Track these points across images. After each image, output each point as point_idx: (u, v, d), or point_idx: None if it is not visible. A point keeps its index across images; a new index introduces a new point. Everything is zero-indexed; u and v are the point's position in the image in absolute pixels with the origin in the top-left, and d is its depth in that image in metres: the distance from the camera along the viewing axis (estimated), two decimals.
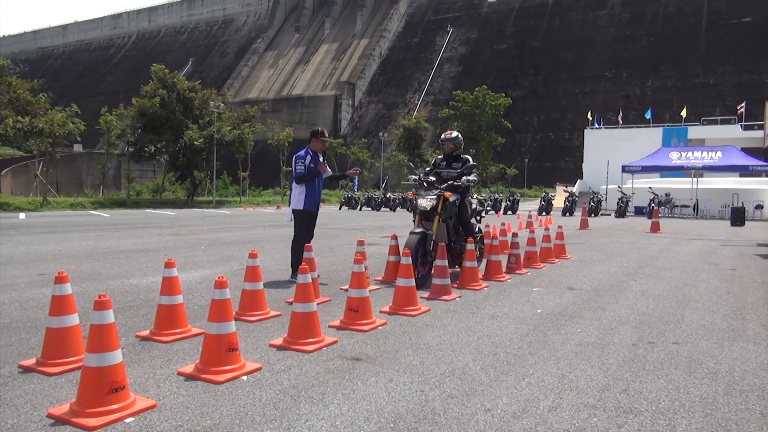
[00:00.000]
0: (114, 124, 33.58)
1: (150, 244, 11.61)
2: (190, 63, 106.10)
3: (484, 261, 7.77)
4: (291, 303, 5.73)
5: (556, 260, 9.50)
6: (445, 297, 6.09)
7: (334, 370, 3.73)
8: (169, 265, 4.41)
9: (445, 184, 7.16)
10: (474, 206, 7.81)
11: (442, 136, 7.61)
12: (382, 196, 34.27)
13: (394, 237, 7.26)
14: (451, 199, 7.00)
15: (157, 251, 10.20)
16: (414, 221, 7.13)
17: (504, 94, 54.44)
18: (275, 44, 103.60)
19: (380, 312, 5.35)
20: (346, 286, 6.70)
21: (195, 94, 34.91)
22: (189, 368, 3.62)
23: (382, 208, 33.03)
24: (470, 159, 7.51)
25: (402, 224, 18.44)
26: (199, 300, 5.82)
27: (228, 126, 35.91)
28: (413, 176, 7.44)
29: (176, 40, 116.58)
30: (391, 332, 4.73)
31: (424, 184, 7.36)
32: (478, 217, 8.09)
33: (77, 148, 54.89)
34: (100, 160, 38.05)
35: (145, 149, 33.67)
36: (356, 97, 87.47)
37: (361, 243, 6.65)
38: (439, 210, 6.88)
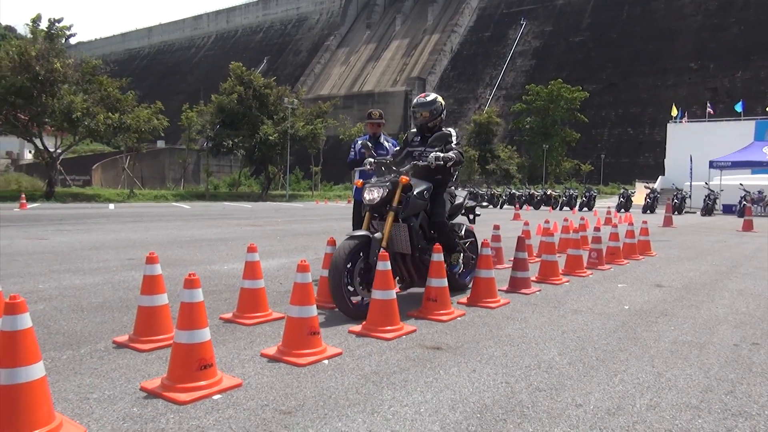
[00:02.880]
0: (194, 120, 35.05)
1: (229, 233, 11.98)
2: (265, 61, 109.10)
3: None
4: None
5: (641, 257, 9.03)
6: (524, 290, 5.90)
7: (414, 358, 3.67)
8: (251, 249, 4.48)
9: (408, 165, 5.06)
10: (460, 200, 5.76)
11: (414, 100, 5.50)
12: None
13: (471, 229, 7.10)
14: (418, 189, 4.92)
15: (236, 240, 10.51)
16: (360, 222, 5.25)
17: (580, 88, 52.69)
18: (347, 41, 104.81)
19: (458, 303, 5.25)
20: None
21: (270, 91, 35.84)
22: (272, 350, 3.66)
23: None
24: (453, 133, 5.34)
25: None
26: (277, 286, 5.90)
27: (301, 122, 36.64)
28: (370, 159, 5.20)
29: (252, 39, 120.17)
30: (471, 323, 4.61)
31: (382, 167, 5.13)
32: (470, 216, 6.14)
33: (160, 143, 57.63)
34: (181, 155, 39.81)
35: (223, 144, 34.91)
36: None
37: None
38: (394, 203, 4.79)
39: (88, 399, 2.88)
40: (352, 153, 6.38)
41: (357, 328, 4.26)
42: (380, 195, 4.76)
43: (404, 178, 4.81)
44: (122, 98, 27.54)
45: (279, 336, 3.94)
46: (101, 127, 26.14)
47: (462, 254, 5.71)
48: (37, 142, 27.01)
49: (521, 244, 6.05)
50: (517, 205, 26.67)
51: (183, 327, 2.96)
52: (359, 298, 4.65)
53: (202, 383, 2.97)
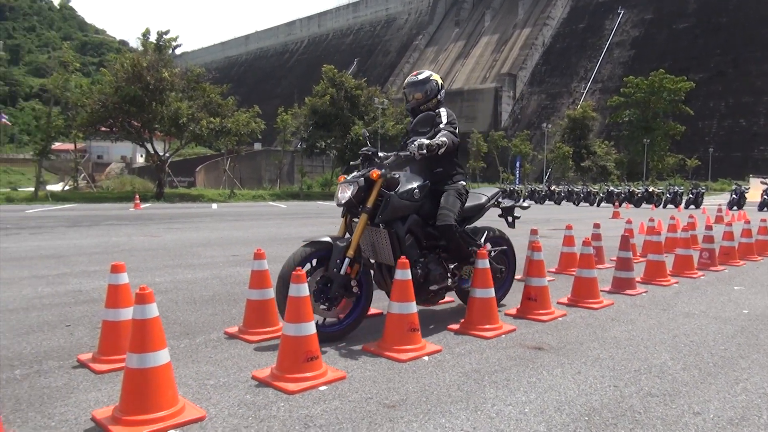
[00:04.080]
0: (289, 122, 36.29)
1: (326, 231, 12.31)
2: (355, 63, 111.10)
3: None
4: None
5: (759, 258, 8.35)
6: (629, 291, 5.63)
7: (515, 357, 3.61)
8: None
9: (391, 156, 4.17)
10: (482, 200, 4.74)
11: (406, 80, 4.67)
12: (546, 188, 33.01)
13: (569, 227, 6.89)
14: (406, 187, 4.08)
15: None
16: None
17: (685, 78, 49.45)
18: (435, 40, 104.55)
19: (558, 303, 5.10)
20: (519, 276, 6.53)
21: (361, 92, 36.44)
22: (373, 345, 3.73)
23: (546, 201, 31.82)
24: (443, 112, 4.44)
25: (571, 216, 17.53)
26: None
27: (391, 121, 36.97)
28: (364, 149, 4.28)
29: (343, 41, 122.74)
30: (573, 324, 4.47)
31: (366, 162, 4.20)
32: (508, 218, 5.20)
33: (257, 146, 60.25)
34: (277, 156, 41.35)
35: (317, 145, 35.92)
36: (517, 88, 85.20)
37: (534, 232, 6.42)
38: (368, 203, 3.95)
39: (205, 385, 3.07)
40: None
41: (456, 326, 4.25)
42: (351, 193, 3.95)
43: (375, 173, 3.94)
44: (223, 103, 29.02)
45: (378, 331, 4.01)
46: (204, 132, 27.69)
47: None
48: (149, 146, 29.04)
49: (625, 242, 5.78)
50: (616, 203, 25.47)
51: (291, 320, 3.08)
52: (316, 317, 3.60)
53: (309, 374, 3.08)
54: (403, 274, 3.60)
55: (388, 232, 4.02)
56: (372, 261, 4.22)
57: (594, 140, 55.28)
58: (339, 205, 4.04)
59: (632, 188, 30.83)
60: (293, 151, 44.61)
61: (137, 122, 27.39)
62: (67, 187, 34.04)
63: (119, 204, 23.62)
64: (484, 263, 4.14)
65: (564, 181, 39.27)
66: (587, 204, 30.10)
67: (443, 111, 4.47)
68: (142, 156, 56.59)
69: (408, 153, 4.10)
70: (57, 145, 35.76)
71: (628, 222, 8.17)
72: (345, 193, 3.97)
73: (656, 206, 27.56)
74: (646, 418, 2.72)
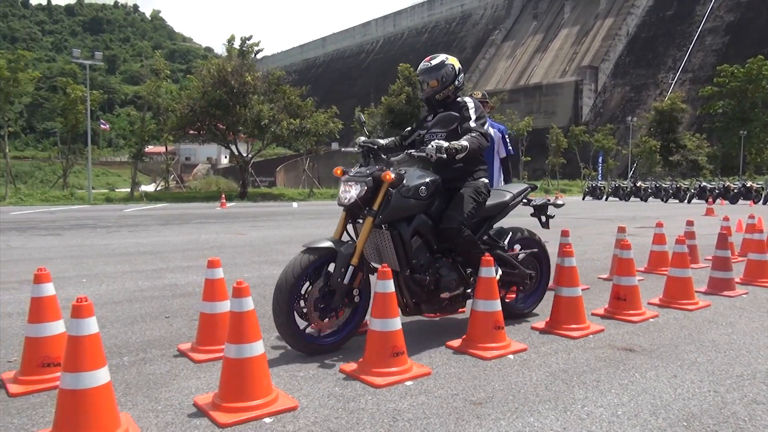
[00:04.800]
0: (366, 122, 36.79)
1: None
2: None
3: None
4: (549, 289, 5.59)
5: None
6: (727, 292, 5.32)
7: (605, 358, 3.50)
8: None
9: (401, 154, 3.78)
10: (506, 197, 4.29)
11: (420, 65, 4.19)
12: (631, 185, 31.61)
13: (660, 224, 6.58)
14: (412, 183, 3.66)
15: None
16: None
17: None
18: (512, 34, 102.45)
19: (648, 303, 4.89)
20: (605, 275, 6.32)
21: None
22: (457, 342, 3.73)
23: (631, 198, 30.47)
24: (470, 104, 4.00)
25: (659, 214, 16.70)
26: None
27: None
28: (361, 138, 3.96)
29: (418, 40, 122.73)
30: (666, 325, 4.28)
31: (370, 155, 3.81)
32: (542, 218, 4.76)
33: (335, 145, 61.45)
34: (355, 156, 42.01)
35: None
36: (599, 81, 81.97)
37: (622, 230, 6.19)
38: (375, 205, 3.59)
39: (295, 376, 3.19)
40: None
41: (541, 324, 4.17)
42: (357, 193, 3.55)
43: (388, 174, 3.52)
44: (302, 105, 29.81)
45: (462, 328, 4.01)
46: (285, 132, 28.55)
47: (496, 274, 3.89)
48: (233, 148, 30.30)
49: (723, 240, 5.46)
50: (710, 199, 24.00)
51: (377, 315, 3.14)
52: (311, 326, 3.52)
53: (394, 369, 3.13)
54: (488, 271, 3.58)
55: (391, 234, 3.64)
56: (374, 266, 3.80)
57: (684, 133, 52.29)
58: (341, 205, 3.67)
59: (727, 183, 28.93)
60: None
61: (222, 125, 28.62)
62: (159, 188, 36.13)
63: (206, 203, 24.79)
64: (570, 261, 4.05)
65: (651, 177, 37.41)
66: (677, 200, 28.56)
67: (470, 103, 4.00)
68: (226, 157, 59.10)
69: (424, 154, 3.69)
70: (150, 148, 37.98)
71: (725, 219, 7.69)
72: (349, 193, 3.59)
73: (755, 202, 25.76)
74: (751, 426, 2.57)
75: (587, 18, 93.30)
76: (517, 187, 4.50)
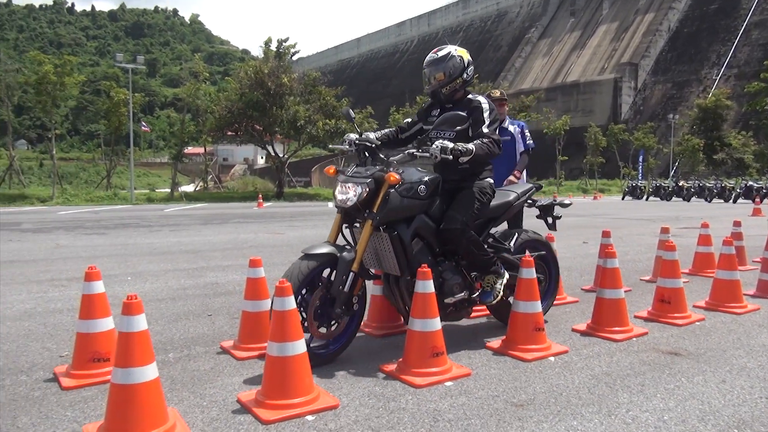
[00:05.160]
0: (401, 121, 36.78)
1: None
2: None
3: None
4: (588, 290, 5.51)
5: None
6: None
7: (649, 362, 3.43)
8: None
9: (402, 154, 3.58)
10: (510, 197, 4.08)
11: (426, 57, 3.88)
12: (673, 184, 30.80)
13: (705, 225, 6.39)
14: (410, 181, 3.48)
15: None
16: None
17: None
18: (549, 32, 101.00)
19: (694, 306, 4.76)
20: (647, 276, 6.19)
21: (472, 88, 36.03)
22: (496, 343, 3.71)
23: (673, 198, 29.69)
24: (484, 105, 3.72)
25: (704, 214, 16.22)
26: None
27: None
28: (352, 135, 3.69)
29: (453, 39, 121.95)
30: (713, 329, 4.16)
31: (366, 154, 3.58)
32: (548, 219, 4.54)
33: None
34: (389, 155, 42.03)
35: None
36: (639, 78, 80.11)
37: (665, 231, 6.04)
38: (375, 207, 3.36)
39: (335, 375, 3.22)
40: None
41: (582, 326, 4.11)
42: (357, 195, 3.31)
43: (393, 177, 3.31)
44: (337, 105, 29.99)
45: (501, 329, 3.98)
46: (320, 133, 28.79)
47: (503, 277, 3.79)
48: (269, 148, 30.71)
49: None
50: (757, 199, 23.20)
51: (417, 316, 3.15)
52: (317, 335, 3.35)
53: (434, 369, 3.13)
54: (528, 272, 3.54)
55: (390, 236, 3.42)
56: (373, 271, 3.66)
57: (728, 131, 50.68)
58: (339, 207, 3.42)
59: None
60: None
61: (259, 126, 29.03)
62: (197, 188, 36.86)
63: (244, 203, 25.18)
64: (612, 263, 3.97)
65: (693, 176, 36.38)
66: (721, 200, 27.69)
67: (484, 105, 3.71)
68: (262, 158, 59.89)
69: (427, 155, 3.47)
70: (189, 150, 38.82)
71: None
72: (348, 195, 3.35)
73: None
74: None
75: (626, 14, 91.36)
76: (521, 187, 4.30)
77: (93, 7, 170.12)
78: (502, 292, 3.76)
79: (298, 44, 30.99)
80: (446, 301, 3.56)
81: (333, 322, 3.35)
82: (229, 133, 30.08)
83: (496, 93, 5.49)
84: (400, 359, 3.26)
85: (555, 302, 4.84)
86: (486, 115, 3.68)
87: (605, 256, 4.04)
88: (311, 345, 3.29)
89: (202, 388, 3.03)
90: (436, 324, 3.15)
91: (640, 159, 47.10)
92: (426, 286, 3.14)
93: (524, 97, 40.00)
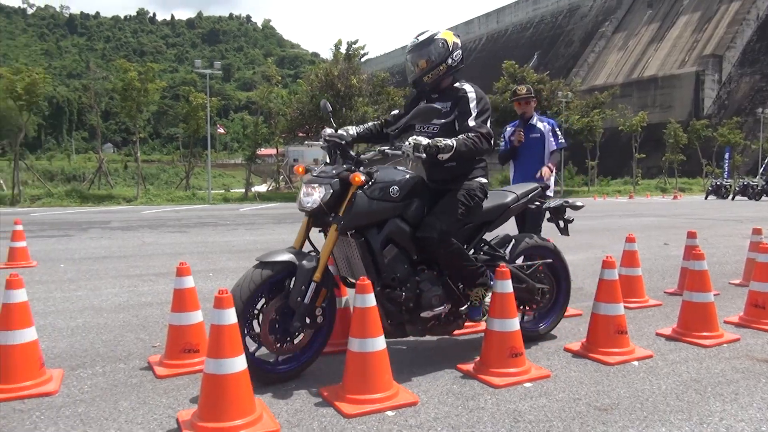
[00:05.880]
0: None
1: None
2: (536, 56, 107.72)
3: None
4: (672, 293, 5.29)
5: None
6: None
7: (743, 370, 3.26)
8: None
9: (372, 152, 3.28)
10: (508, 199, 3.66)
11: (408, 43, 3.55)
12: (763, 182, 28.93)
13: None
14: (382, 182, 3.18)
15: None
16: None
17: None
18: (624, 25, 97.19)
19: None
20: (737, 280, 5.87)
21: (543, 86, 35.30)
22: (575, 345, 3.63)
23: (762, 198, 27.88)
24: (471, 95, 3.35)
25: None
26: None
27: (576, 114, 35.33)
28: (327, 130, 3.43)
29: (522, 36, 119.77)
30: None
31: (336, 151, 3.34)
32: (560, 223, 4.10)
33: None
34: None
35: (497, 142, 35.66)
36: (724, 70, 75.69)
37: (757, 232, 5.71)
38: (341, 211, 3.07)
39: (413, 373, 3.24)
40: (503, 143, 5.36)
41: (666, 331, 3.96)
42: (321, 197, 3.03)
43: (357, 177, 3.02)
44: None
45: (580, 331, 3.89)
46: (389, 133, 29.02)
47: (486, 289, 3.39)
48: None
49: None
50: None
51: (496, 315, 3.13)
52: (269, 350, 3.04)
53: (513, 370, 3.10)
54: (610, 273, 3.45)
55: (357, 242, 3.12)
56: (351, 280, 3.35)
57: None
58: (303, 210, 3.12)
59: None
60: None
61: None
62: (270, 188, 37.95)
63: None
64: (701, 265, 3.79)
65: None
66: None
67: (471, 94, 3.33)
68: None
69: (399, 152, 3.14)
70: (261, 151, 40.03)
71: None
72: (312, 197, 3.06)
73: None
74: None
75: (709, 3, 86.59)
76: (522, 188, 3.85)
77: (172, 16, 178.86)
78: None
79: (367, 45, 31.34)
80: (423, 315, 3.20)
81: (292, 336, 3.02)
82: (300, 134, 30.79)
83: (522, 90, 5.24)
84: (477, 358, 3.25)
85: (636, 305, 4.68)
86: (473, 105, 3.30)
87: (693, 258, 3.87)
88: (276, 362, 3.10)
89: (287, 382, 3.13)
90: (515, 324, 3.12)
91: (726, 156, 44.57)
92: (505, 286, 3.11)
93: (598, 94, 38.66)
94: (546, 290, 3.73)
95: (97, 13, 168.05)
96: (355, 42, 30.16)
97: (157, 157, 79.97)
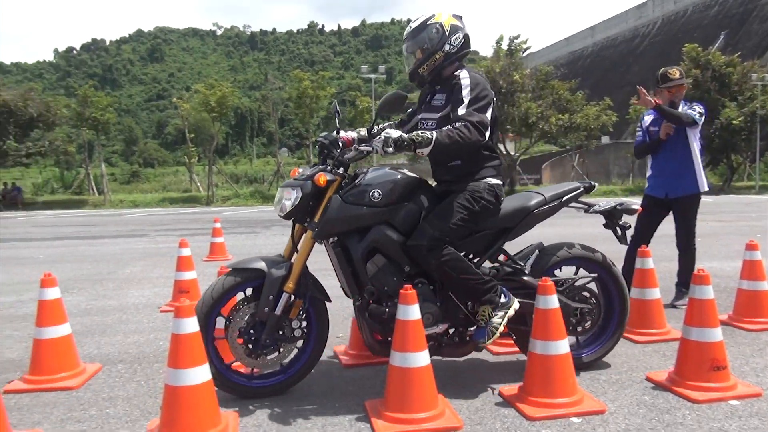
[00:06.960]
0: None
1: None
2: (722, 37, 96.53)
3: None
4: None
5: None
6: None
7: None
8: (751, 247, 4.04)
9: (352, 151, 2.92)
10: (530, 203, 3.12)
11: (407, 28, 3.19)
12: None
13: None
14: (363, 185, 2.89)
15: (727, 235, 9.63)
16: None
17: None
18: None
19: None
20: None
21: (733, 69, 31.52)
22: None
23: None
24: (465, 82, 2.91)
25: None
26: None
27: None
28: (323, 134, 3.19)
29: (705, 15, 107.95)
30: None
31: (324, 149, 3.05)
32: (617, 230, 3.31)
33: (605, 139, 57.74)
34: (628, 149, 38.90)
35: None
36: None
37: None
38: (316, 216, 2.85)
39: (598, 380, 3.10)
40: (639, 134, 4.79)
41: None
42: (292, 202, 2.82)
43: (321, 177, 2.79)
44: (572, 99, 28.75)
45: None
46: (553, 129, 27.93)
47: (506, 308, 2.90)
48: (501, 146, 30.73)
49: None
50: None
51: (692, 324, 2.87)
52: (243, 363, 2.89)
53: (715, 385, 2.82)
54: (702, 291, 2.98)
55: (334, 251, 2.89)
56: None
57: None
58: (281, 216, 2.91)
59: None
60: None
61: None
62: None
63: None
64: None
65: None
66: None
67: (464, 81, 2.92)
68: None
69: (370, 149, 2.84)
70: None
71: None
72: (286, 202, 2.85)
73: None
74: None
75: None
76: (557, 188, 3.24)
77: (339, 26, 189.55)
78: (502, 328, 2.87)
79: (529, 39, 30.50)
80: None
81: (266, 349, 2.84)
82: None
83: (676, 74, 4.54)
84: (671, 369, 3.01)
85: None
86: (465, 92, 2.89)
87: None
88: (252, 375, 2.97)
89: (463, 379, 3.16)
90: (717, 334, 2.84)
91: None
92: (704, 291, 2.84)
93: None
94: (587, 310, 3.15)
95: (274, 29, 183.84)
96: (517, 37, 29.51)
97: None
